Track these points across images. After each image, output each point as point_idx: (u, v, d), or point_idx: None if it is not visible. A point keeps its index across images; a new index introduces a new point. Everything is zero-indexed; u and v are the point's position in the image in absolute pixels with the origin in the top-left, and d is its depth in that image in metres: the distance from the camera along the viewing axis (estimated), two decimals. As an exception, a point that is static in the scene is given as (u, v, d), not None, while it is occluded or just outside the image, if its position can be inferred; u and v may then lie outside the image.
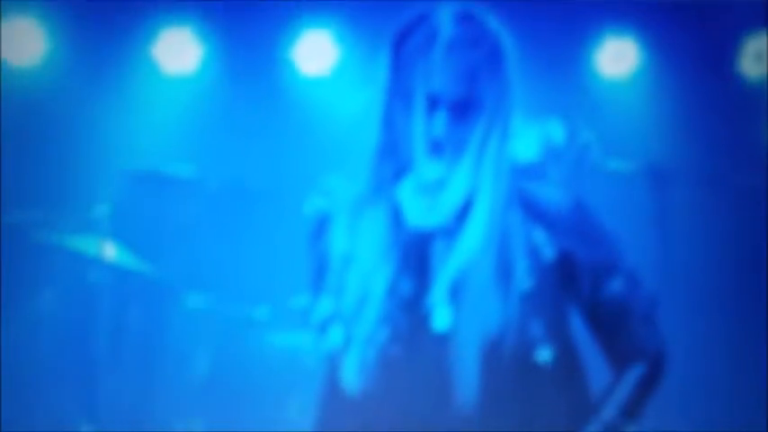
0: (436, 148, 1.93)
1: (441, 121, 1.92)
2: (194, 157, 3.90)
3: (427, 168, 1.94)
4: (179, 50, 3.96)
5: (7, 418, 3.70)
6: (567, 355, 2.00)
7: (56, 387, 3.77)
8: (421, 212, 2.00)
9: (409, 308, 1.99)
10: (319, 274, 2.09)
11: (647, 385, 2.04)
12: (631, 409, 2.04)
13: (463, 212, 1.97)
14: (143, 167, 3.97)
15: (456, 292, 1.96)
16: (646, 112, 3.56)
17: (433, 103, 1.93)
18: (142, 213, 3.90)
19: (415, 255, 2.00)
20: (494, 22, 1.98)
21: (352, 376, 1.99)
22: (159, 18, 3.87)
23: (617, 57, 4.11)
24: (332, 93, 3.90)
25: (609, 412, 2.03)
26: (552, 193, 2.04)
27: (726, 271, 3.15)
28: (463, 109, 1.94)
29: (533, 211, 2.00)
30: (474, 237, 1.95)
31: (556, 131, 3.02)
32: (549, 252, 1.96)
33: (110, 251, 3.72)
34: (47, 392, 3.74)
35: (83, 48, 3.90)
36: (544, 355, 1.96)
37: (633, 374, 2.02)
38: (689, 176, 3.22)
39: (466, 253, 1.96)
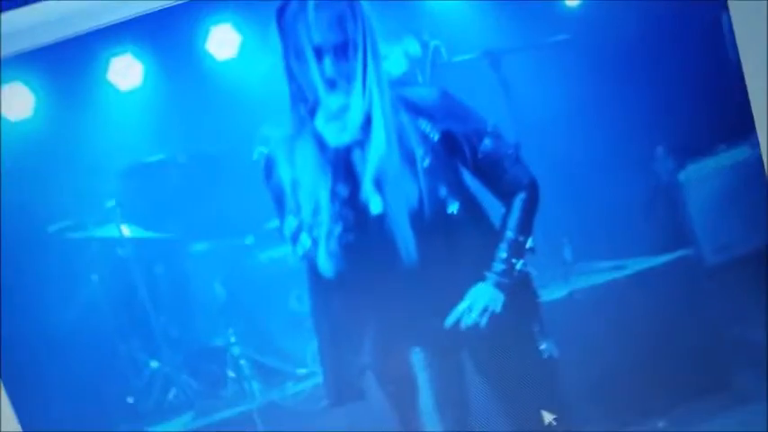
0: (331, 85, 1.91)
1: (328, 64, 1.90)
2: (162, 144, 3.84)
3: (330, 101, 1.93)
4: (126, 71, 3.86)
5: (92, 371, 3.69)
6: (469, 203, 2.02)
7: (121, 339, 3.76)
8: (336, 134, 1.99)
9: (350, 204, 1.99)
10: (279, 201, 2.08)
11: (530, 206, 2.07)
12: (524, 226, 2.08)
13: (366, 125, 1.96)
14: (129, 163, 3.91)
15: (379, 183, 1.96)
16: (470, 16, 3.53)
17: (318, 53, 1.91)
18: (140, 195, 3.85)
19: (343, 165, 2.00)
20: (345, -20, 1.95)
21: (325, 264, 2.00)
22: (105, 51, 3.77)
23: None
24: (244, 68, 3.82)
25: (509, 233, 2.06)
26: (424, 92, 2.03)
27: (558, 108, 3.16)
28: (342, 50, 1.92)
29: (414, 108, 2.00)
30: (379, 140, 1.95)
31: (412, 46, 2.99)
32: (434, 135, 1.97)
33: (127, 230, 3.71)
34: (117, 346, 3.74)
35: (59, 89, 3.80)
36: (453, 207, 1.98)
37: (518, 201, 2.05)
38: (513, 49, 3.21)
39: (377, 153, 1.96)
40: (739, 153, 3.25)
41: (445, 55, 3.26)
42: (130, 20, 3.37)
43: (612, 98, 3.26)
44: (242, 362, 3.64)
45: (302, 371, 3.51)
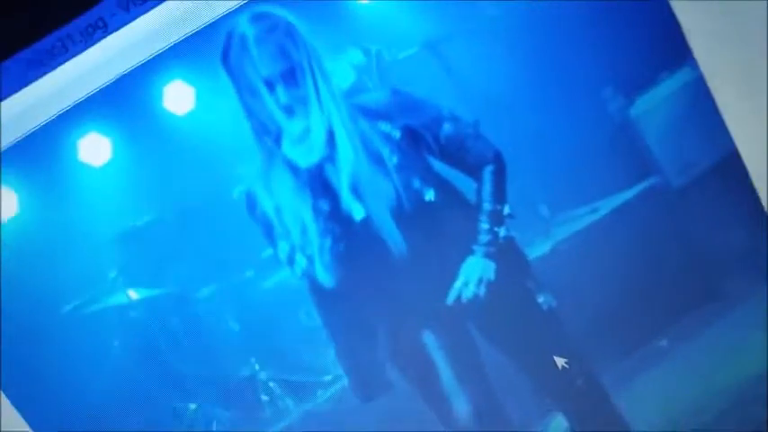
0: (289, 111, 1.91)
1: (281, 92, 1.90)
2: (147, 206, 3.82)
3: (291, 127, 1.93)
4: (95, 149, 3.83)
5: (137, 429, 3.70)
6: (443, 187, 2.02)
7: (157, 392, 3.77)
8: (305, 156, 1.99)
9: (334, 217, 1.99)
10: (268, 231, 2.08)
11: (499, 175, 2.08)
12: (498, 195, 2.09)
13: (330, 140, 1.96)
14: (120, 231, 3.90)
15: (356, 190, 1.96)
16: (402, 14, 3.52)
17: (269, 85, 1.91)
18: (138, 258, 3.84)
19: (319, 183, 2.00)
20: (276, 8, 1.95)
21: (324, 277, 2.00)
22: (70, 135, 3.74)
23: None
24: (206, 117, 3.81)
25: (486, 205, 2.07)
26: (376, 96, 2.04)
27: (504, 77, 3.16)
28: (291, 76, 1.92)
29: (371, 113, 2.00)
30: (346, 151, 1.95)
31: (355, 56, 2.99)
32: (395, 133, 1.97)
33: (134, 294, 3.71)
34: (155, 400, 3.75)
35: (38, 181, 3.77)
36: (429, 195, 1.99)
37: (487, 173, 2.06)
38: (449, 35, 3.20)
39: (347, 163, 1.96)
40: (681, 76, 3.27)
41: (388, 56, 3.26)
42: (85, 100, 3.36)
43: (552, 54, 3.27)
44: (271, 384, 3.67)
45: (328, 377, 3.53)
